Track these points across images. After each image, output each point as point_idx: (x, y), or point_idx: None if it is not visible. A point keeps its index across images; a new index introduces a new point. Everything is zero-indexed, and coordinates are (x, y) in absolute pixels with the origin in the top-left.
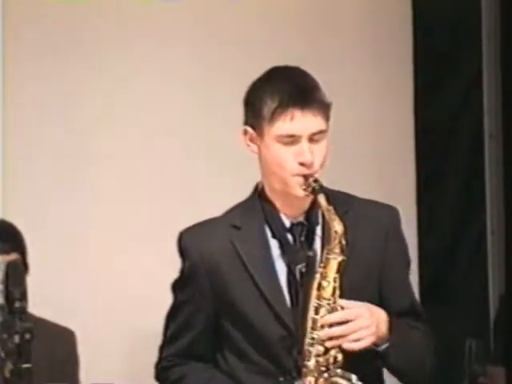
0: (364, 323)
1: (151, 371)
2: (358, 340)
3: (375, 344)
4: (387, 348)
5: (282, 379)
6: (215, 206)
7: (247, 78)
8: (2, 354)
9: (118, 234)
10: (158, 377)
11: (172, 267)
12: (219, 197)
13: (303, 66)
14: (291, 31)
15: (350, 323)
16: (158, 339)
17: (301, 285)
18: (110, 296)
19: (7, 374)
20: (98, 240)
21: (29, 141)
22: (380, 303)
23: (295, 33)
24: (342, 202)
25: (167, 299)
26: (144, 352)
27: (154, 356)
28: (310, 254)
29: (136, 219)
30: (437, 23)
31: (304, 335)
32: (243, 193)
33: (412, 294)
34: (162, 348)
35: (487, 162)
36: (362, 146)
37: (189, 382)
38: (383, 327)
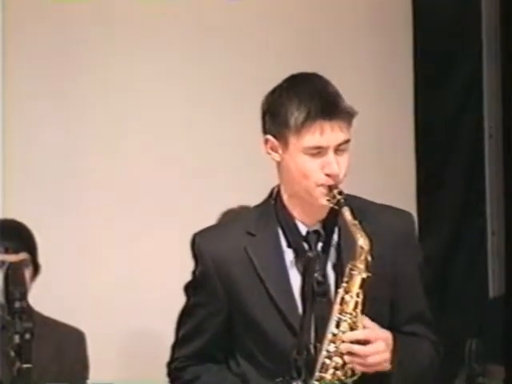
0: (381, 347)
1: (151, 371)
2: (374, 365)
3: None
4: (391, 371)
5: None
6: (214, 209)
7: (248, 79)
8: (12, 353)
9: (118, 234)
10: (170, 376)
11: (173, 269)
12: (216, 203)
13: (302, 67)
14: (290, 32)
15: (369, 345)
16: (159, 340)
17: (317, 294)
18: (110, 296)
19: (15, 373)
20: (98, 241)
21: (30, 141)
22: (391, 308)
23: (294, 33)
24: (356, 210)
25: (167, 300)
26: (144, 352)
27: (153, 356)
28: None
29: (137, 220)
30: (437, 23)
31: (320, 346)
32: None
33: (424, 300)
34: (174, 348)
35: (487, 161)
36: (362, 146)
37: (202, 381)
38: (390, 351)
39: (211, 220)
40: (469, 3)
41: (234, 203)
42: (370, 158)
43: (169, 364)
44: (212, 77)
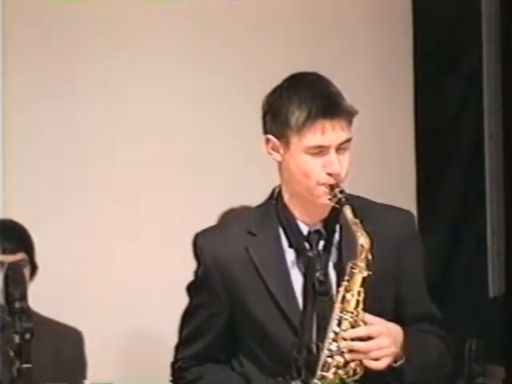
0: (385, 343)
1: (151, 371)
2: (378, 359)
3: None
4: (402, 365)
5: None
6: (215, 209)
7: (248, 79)
8: (12, 353)
9: (118, 234)
10: (174, 376)
11: (173, 269)
12: (217, 203)
13: (303, 66)
14: (290, 32)
15: (371, 341)
16: (159, 340)
17: (318, 293)
18: (110, 296)
19: (15, 373)
20: (97, 240)
21: (30, 141)
22: (397, 307)
23: (294, 33)
24: (358, 209)
25: (168, 301)
26: (144, 352)
27: (153, 356)
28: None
29: (137, 220)
30: (437, 23)
31: (322, 345)
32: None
33: (428, 298)
34: (177, 348)
35: (487, 161)
36: (362, 147)
37: (206, 381)
38: (399, 345)
39: (212, 220)
40: (469, 3)
41: (235, 203)
42: (370, 157)
43: (172, 364)
44: (212, 77)
